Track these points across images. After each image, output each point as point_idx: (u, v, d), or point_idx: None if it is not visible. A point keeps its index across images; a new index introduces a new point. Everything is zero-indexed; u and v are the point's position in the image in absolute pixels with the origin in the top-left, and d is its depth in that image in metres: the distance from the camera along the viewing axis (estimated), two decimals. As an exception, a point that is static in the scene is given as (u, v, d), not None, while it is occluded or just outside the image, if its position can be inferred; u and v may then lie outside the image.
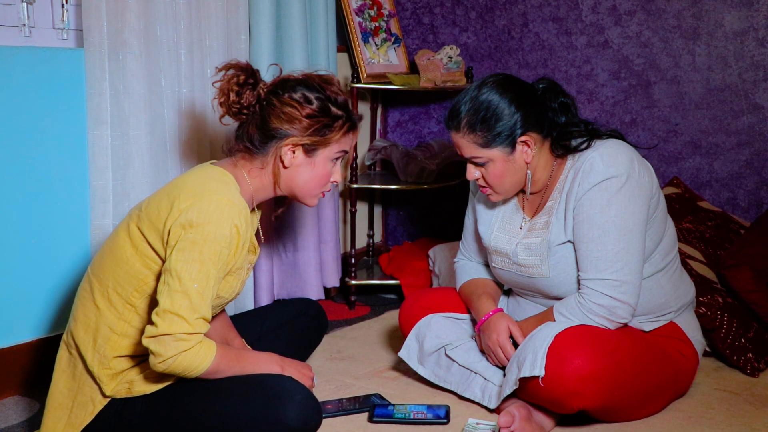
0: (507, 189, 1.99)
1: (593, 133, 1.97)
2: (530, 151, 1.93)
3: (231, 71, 1.82)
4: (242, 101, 1.81)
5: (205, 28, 2.44)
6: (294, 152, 1.83)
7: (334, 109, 1.83)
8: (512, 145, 1.92)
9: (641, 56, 2.94)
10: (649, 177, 1.93)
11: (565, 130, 1.97)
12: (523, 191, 2.05)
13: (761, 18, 2.75)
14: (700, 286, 2.34)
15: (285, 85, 1.84)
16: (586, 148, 1.94)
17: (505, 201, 2.12)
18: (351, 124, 1.87)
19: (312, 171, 1.85)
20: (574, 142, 1.96)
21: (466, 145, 1.94)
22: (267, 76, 1.92)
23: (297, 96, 1.81)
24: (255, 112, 1.83)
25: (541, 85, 1.99)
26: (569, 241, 1.94)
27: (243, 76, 1.81)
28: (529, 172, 1.96)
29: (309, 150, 1.83)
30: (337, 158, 1.88)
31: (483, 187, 2.02)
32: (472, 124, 1.91)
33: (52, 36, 2.22)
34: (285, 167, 1.84)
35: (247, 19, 2.56)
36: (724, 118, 2.84)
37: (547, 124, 1.96)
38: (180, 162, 2.40)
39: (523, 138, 1.92)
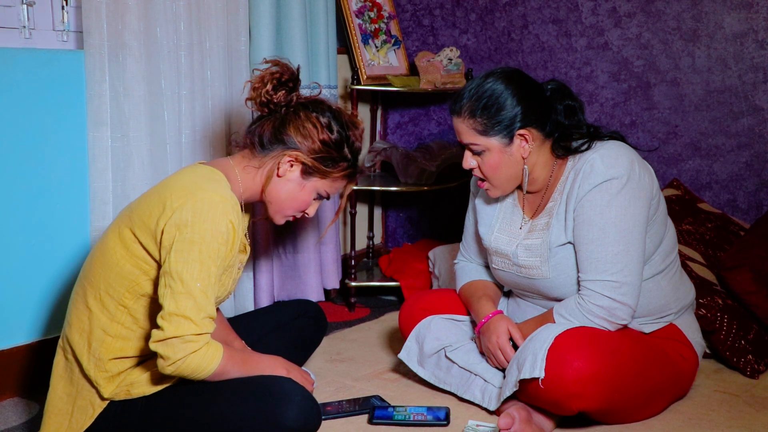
0: (503, 182, 2.00)
1: (594, 134, 1.97)
2: (527, 147, 1.94)
3: (277, 67, 1.87)
4: (274, 96, 1.85)
5: (205, 29, 2.44)
6: (292, 166, 1.85)
7: (346, 150, 1.89)
8: (510, 137, 1.93)
9: (641, 58, 2.94)
10: (649, 179, 1.93)
11: (567, 132, 1.97)
12: (521, 188, 2.05)
13: (761, 20, 2.75)
14: (699, 288, 2.34)
15: (317, 105, 1.90)
16: (587, 149, 1.94)
17: (503, 198, 2.12)
18: (352, 172, 1.93)
19: (298, 192, 1.88)
20: (574, 144, 1.97)
21: (465, 130, 1.96)
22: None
23: (323, 119, 1.86)
24: (278, 113, 1.87)
25: (549, 86, 2.00)
26: (569, 243, 1.94)
27: (286, 76, 1.87)
28: (526, 167, 1.96)
29: (306, 172, 1.86)
30: (320, 196, 1.91)
31: (481, 180, 2.02)
32: (473, 110, 1.93)
33: (52, 38, 2.22)
34: (278, 175, 1.86)
35: (247, 20, 2.56)
36: (723, 120, 2.85)
37: (550, 124, 1.96)
38: (180, 163, 2.40)
39: (521, 132, 1.92)
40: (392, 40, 3.22)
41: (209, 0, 2.43)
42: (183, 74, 2.38)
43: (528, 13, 3.13)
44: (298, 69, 1.92)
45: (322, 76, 2.85)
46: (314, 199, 1.92)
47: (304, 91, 1.98)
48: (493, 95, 1.92)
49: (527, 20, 3.13)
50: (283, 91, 1.86)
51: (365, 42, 3.10)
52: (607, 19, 2.97)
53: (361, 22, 3.12)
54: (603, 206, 1.87)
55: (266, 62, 1.89)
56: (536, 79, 2.04)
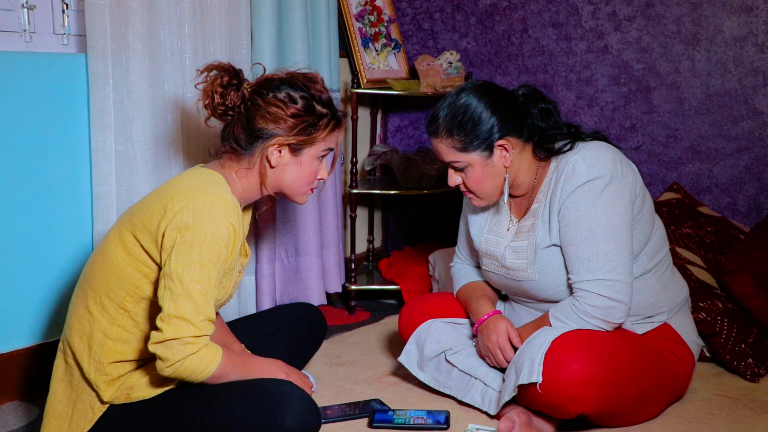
0: (488, 193, 2.00)
1: (575, 134, 1.98)
2: (509, 156, 1.95)
3: (214, 72, 1.82)
4: (227, 102, 1.81)
5: (209, 33, 2.44)
6: (280, 152, 1.83)
7: (318, 108, 1.84)
8: (490, 149, 1.93)
9: (641, 62, 2.94)
10: (632, 177, 1.94)
11: (547, 134, 1.98)
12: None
13: (760, 24, 2.75)
14: (700, 292, 2.34)
15: (269, 84, 1.84)
16: (569, 150, 1.95)
17: (488, 207, 2.13)
18: (336, 121, 1.88)
19: (299, 170, 1.86)
20: (556, 145, 1.97)
21: (445, 149, 1.96)
22: (250, 76, 1.93)
23: (281, 95, 1.82)
24: (240, 113, 1.83)
25: (521, 92, 2.01)
26: (554, 245, 1.95)
27: (226, 77, 1.82)
28: (507, 176, 1.97)
29: (295, 149, 1.83)
30: (323, 156, 1.89)
31: (465, 192, 2.03)
32: (450, 128, 1.93)
33: (53, 42, 2.22)
34: (272, 167, 1.84)
35: (248, 24, 2.56)
36: (723, 124, 2.85)
37: (527, 129, 1.97)
38: (184, 167, 2.40)
39: (500, 142, 1.93)
40: (392, 44, 3.23)
41: (212, 3, 2.44)
42: (187, 77, 2.37)
43: (528, 17, 3.13)
44: (229, 63, 1.85)
45: (324, 79, 2.84)
46: (319, 164, 1.89)
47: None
48: (467, 111, 1.92)
49: (527, 24, 3.14)
50: (232, 92, 1.82)
51: (365, 45, 3.11)
52: (607, 23, 2.98)
53: (361, 26, 3.12)
54: (588, 206, 1.88)
55: (201, 72, 1.83)
56: (536, 83, 2.05)
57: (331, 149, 1.89)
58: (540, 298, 2.01)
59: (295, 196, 1.90)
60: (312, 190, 1.92)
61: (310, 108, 1.83)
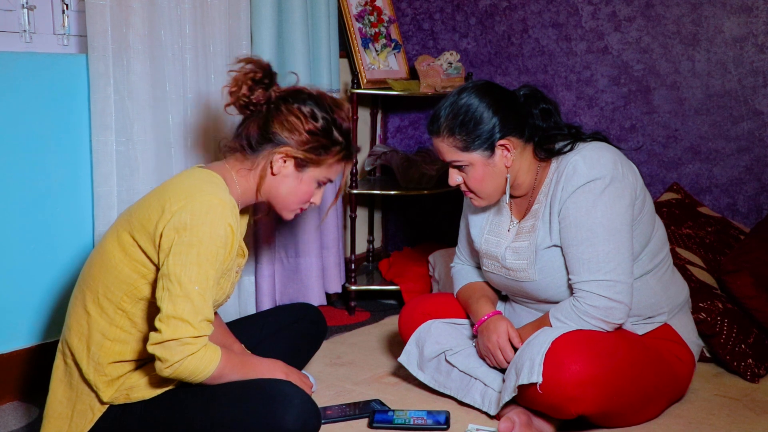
0: (489, 193, 2.01)
1: (576, 135, 1.98)
2: (510, 155, 1.95)
3: (250, 66, 1.85)
4: (252, 97, 1.83)
5: (209, 33, 2.44)
6: (285, 162, 1.85)
7: (336, 134, 1.86)
8: (491, 149, 1.94)
9: (641, 62, 2.94)
10: (633, 177, 1.94)
11: (548, 134, 1.98)
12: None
13: (760, 24, 2.76)
14: (700, 292, 2.34)
15: (297, 95, 1.87)
16: (569, 150, 1.95)
17: (488, 207, 2.13)
18: (347, 153, 1.90)
19: (297, 186, 1.87)
20: (557, 146, 1.98)
21: (446, 149, 1.97)
22: (282, 82, 1.95)
23: (305, 109, 1.84)
24: (260, 112, 1.85)
25: (522, 92, 2.01)
26: (555, 246, 1.95)
27: (260, 73, 1.84)
28: (508, 176, 1.97)
29: (300, 164, 1.85)
30: (321, 183, 1.90)
31: (466, 192, 2.03)
32: (451, 127, 1.94)
33: (53, 42, 2.22)
34: (273, 174, 1.85)
35: (248, 25, 2.56)
36: (723, 124, 2.85)
37: (529, 129, 1.97)
38: (185, 167, 2.39)
39: (502, 142, 1.93)
40: (392, 44, 3.23)
41: (212, 3, 2.43)
42: (188, 77, 2.37)
43: (528, 17, 3.13)
44: (269, 62, 1.88)
45: (324, 80, 2.85)
46: (316, 188, 1.91)
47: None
48: (469, 110, 1.93)
49: (527, 24, 3.14)
50: (260, 90, 1.84)
51: (365, 46, 3.11)
52: (607, 23, 2.98)
53: (361, 26, 3.12)
54: (588, 207, 1.88)
55: (239, 61, 1.86)
56: (536, 83, 2.05)
57: (330, 180, 1.91)
58: (540, 299, 2.02)
59: (282, 210, 1.91)
60: (301, 210, 1.93)
61: (327, 130, 1.85)
